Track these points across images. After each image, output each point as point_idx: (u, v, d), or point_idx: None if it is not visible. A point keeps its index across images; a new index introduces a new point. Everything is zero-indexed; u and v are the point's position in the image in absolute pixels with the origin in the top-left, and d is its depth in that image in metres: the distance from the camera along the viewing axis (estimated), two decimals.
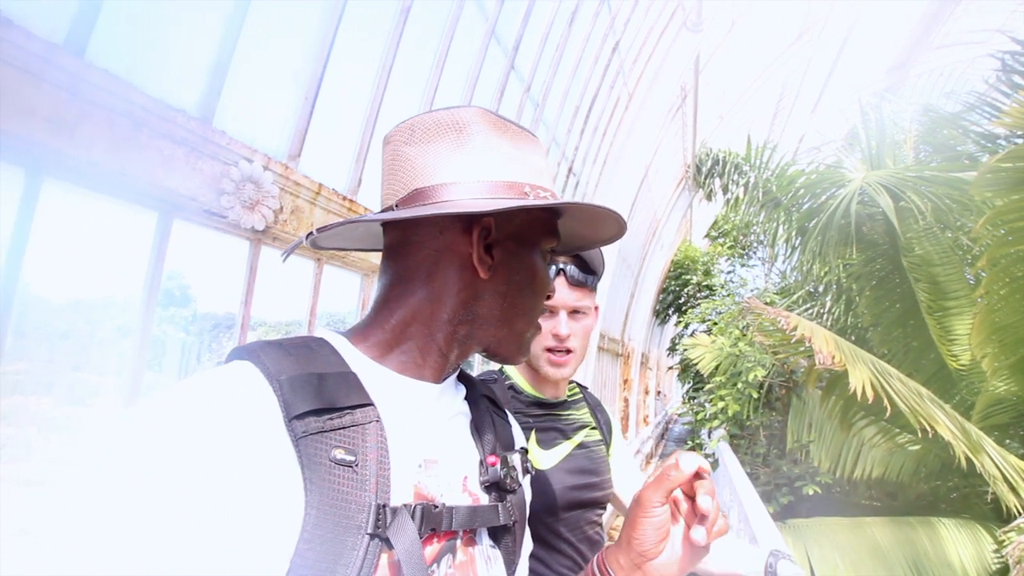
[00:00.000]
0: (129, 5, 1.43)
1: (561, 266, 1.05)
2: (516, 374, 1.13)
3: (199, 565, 0.37)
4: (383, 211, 0.57)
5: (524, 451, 0.66)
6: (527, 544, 0.70)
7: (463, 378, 0.65)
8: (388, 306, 0.57)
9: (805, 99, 11.95)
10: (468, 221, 0.56)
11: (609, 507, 1.22)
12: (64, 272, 1.47)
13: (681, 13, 5.81)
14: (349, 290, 2.53)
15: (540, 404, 1.11)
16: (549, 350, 1.06)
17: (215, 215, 1.61)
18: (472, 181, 0.55)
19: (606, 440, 1.19)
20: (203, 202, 1.56)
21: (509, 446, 0.65)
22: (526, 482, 0.68)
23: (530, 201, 0.55)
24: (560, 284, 1.05)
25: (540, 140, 0.65)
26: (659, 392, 18.18)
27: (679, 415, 17.35)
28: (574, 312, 1.07)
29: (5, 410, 1.37)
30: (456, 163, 0.56)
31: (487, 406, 0.65)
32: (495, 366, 1.22)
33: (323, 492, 0.42)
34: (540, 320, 1.05)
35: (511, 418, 0.72)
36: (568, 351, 1.06)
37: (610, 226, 0.64)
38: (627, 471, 1.21)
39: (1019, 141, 3.07)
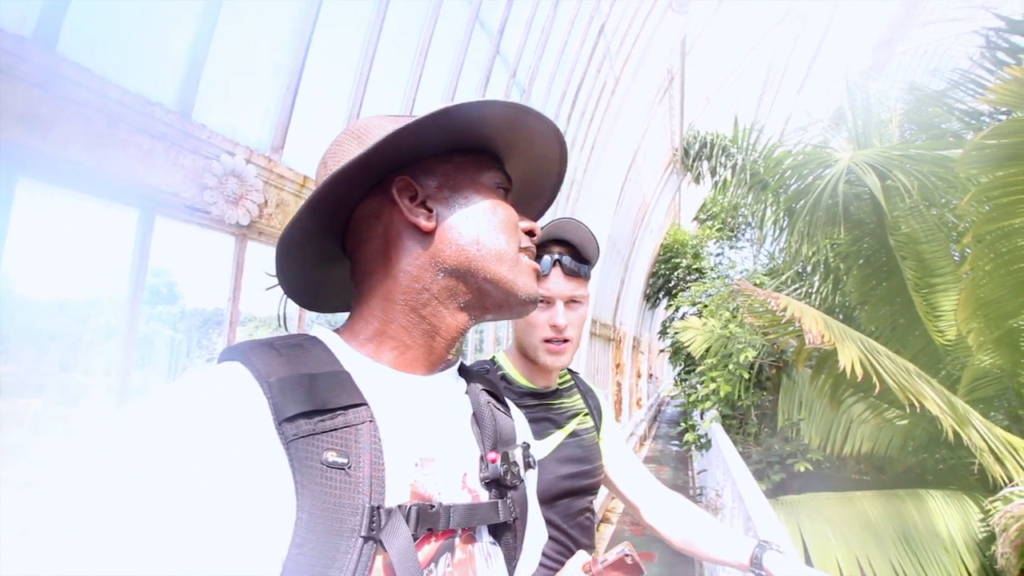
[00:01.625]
0: None
1: (557, 256, 1.06)
2: (508, 364, 1.14)
3: (189, 568, 0.37)
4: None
5: (526, 445, 0.65)
6: (539, 536, 0.70)
7: (463, 372, 0.65)
8: (364, 300, 0.57)
9: (791, 79, 11.95)
10: (389, 191, 0.56)
11: (603, 489, 1.24)
12: (45, 273, 1.44)
13: None
14: None
15: (533, 394, 1.11)
16: (547, 340, 1.06)
17: (198, 211, 1.58)
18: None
19: (597, 425, 1.21)
20: (185, 198, 1.53)
21: (510, 441, 0.64)
22: (530, 476, 0.67)
23: (390, 126, 0.52)
24: (556, 275, 1.06)
25: None
26: (651, 375, 18.35)
27: (671, 397, 17.54)
28: (570, 302, 1.08)
29: None
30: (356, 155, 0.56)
31: (488, 400, 0.64)
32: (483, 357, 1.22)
33: (315, 495, 0.42)
34: (539, 312, 1.06)
35: (514, 411, 0.71)
36: (565, 340, 1.07)
37: (546, 141, 0.61)
38: (618, 452, 1.22)
39: (1003, 118, 3.09)
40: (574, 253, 1.09)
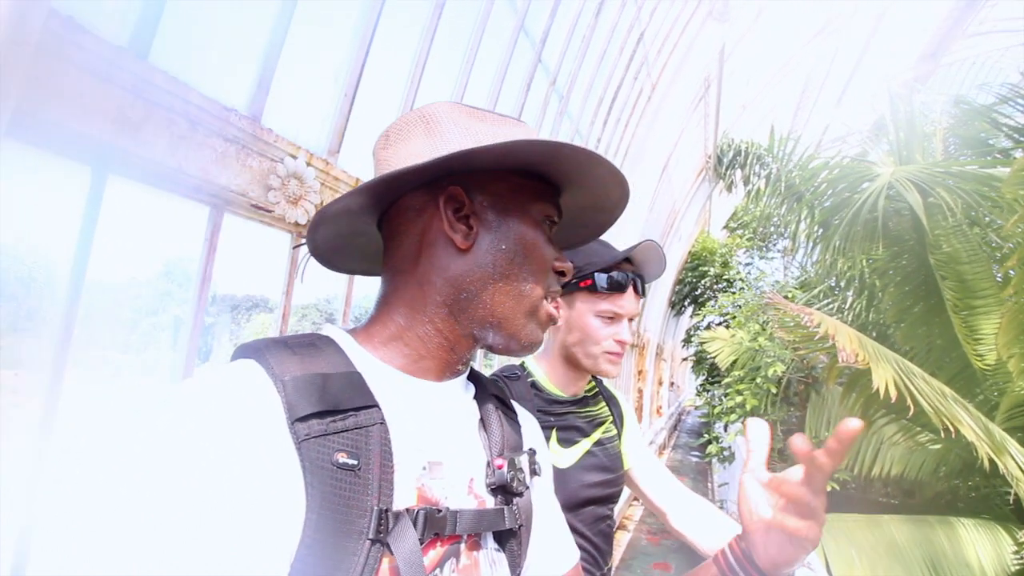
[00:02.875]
0: (187, 7, 1.49)
1: (632, 276, 1.12)
2: (540, 371, 1.16)
3: (198, 567, 0.37)
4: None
5: (532, 452, 0.65)
6: (567, 554, 0.69)
7: (473, 377, 0.64)
8: (387, 301, 0.57)
9: (830, 89, 11.70)
10: (438, 195, 0.55)
11: (625, 493, 1.27)
12: (125, 263, 1.55)
13: (707, 2, 5.73)
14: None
15: (561, 402, 1.14)
16: (608, 352, 1.11)
17: (262, 209, 1.67)
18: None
19: (619, 432, 1.23)
20: (252, 197, 1.62)
21: (517, 448, 0.63)
22: (542, 481, 0.67)
23: (468, 143, 0.52)
24: (630, 294, 1.12)
25: (529, 125, 0.62)
26: (672, 383, 18.16)
27: (694, 407, 17.34)
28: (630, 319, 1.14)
29: (68, 389, 1.45)
30: (423, 149, 0.55)
31: (496, 406, 0.64)
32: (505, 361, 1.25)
33: (324, 496, 0.42)
34: (604, 326, 1.10)
35: (521, 418, 0.70)
36: (621, 353, 1.13)
37: (610, 186, 0.59)
38: (642, 456, 1.25)
39: None
40: (642, 275, 1.15)
